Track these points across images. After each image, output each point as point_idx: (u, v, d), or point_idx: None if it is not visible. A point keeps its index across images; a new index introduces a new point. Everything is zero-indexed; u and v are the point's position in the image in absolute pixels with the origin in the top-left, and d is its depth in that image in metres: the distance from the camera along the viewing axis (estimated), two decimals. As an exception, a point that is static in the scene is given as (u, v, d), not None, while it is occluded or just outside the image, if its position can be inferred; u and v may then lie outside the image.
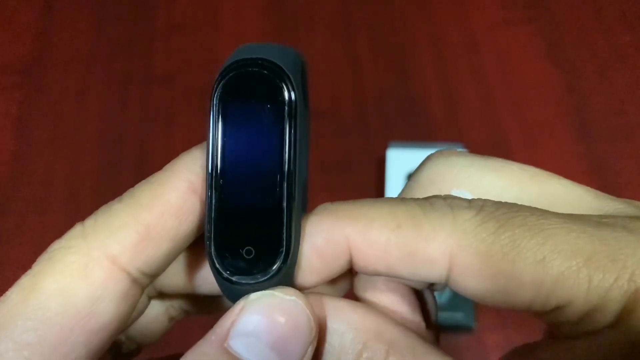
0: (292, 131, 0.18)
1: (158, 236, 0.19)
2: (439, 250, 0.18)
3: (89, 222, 0.19)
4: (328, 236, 0.19)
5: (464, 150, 0.58)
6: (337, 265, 0.19)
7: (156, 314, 0.24)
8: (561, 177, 0.21)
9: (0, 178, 0.64)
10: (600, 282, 0.16)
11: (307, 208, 0.22)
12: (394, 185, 0.57)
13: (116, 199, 0.19)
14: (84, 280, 0.18)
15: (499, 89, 0.67)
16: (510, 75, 0.68)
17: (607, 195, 0.20)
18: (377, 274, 0.19)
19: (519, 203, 0.18)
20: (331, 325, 0.19)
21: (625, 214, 0.19)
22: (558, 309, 0.17)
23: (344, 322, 0.19)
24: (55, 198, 0.62)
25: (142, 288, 0.20)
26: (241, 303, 0.18)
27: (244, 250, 0.18)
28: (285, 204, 0.18)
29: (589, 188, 0.20)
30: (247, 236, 0.18)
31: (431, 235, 0.18)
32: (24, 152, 0.65)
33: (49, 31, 0.74)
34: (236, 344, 0.17)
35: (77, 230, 0.19)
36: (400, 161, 0.58)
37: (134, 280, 0.19)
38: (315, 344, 0.18)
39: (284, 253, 0.18)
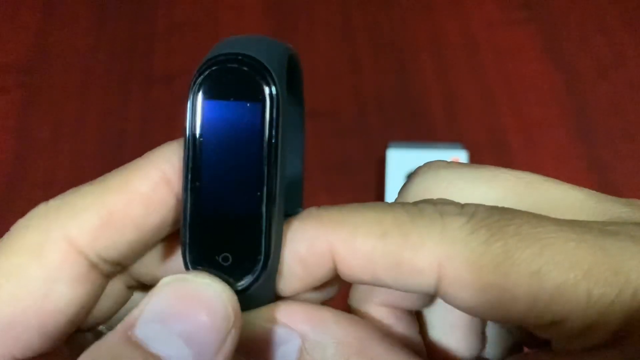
0: (274, 132, 0.17)
1: (121, 223, 0.18)
2: (427, 260, 0.17)
3: (54, 201, 0.19)
4: (311, 244, 0.18)
5: (463, 151, 0.58)
6: (320, 273, 0.18)
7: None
8: (560, 182, 0.20)
9: (2, 178, 0.64)
10: (600, 297, 0.15)
11: (303, 206, 0.21)
12: (393, 185, 0.57)
13: (88, 182, 0.19)
14: (38, 260, 0.18)
15: (498, 89, 0.67)
16: (509, 75, 0.68)
17: (611, 197, 0.19)
18: (362, 282, 0.18)
19: None
20: (314, 337, 0.18)
21: (631, 219, 0.18)
22: (553, 324, 0.16)
23: (327, 335, 0.18)
24: (56, 198, 0.62)
25: (104, 274, 0.19)
26: (153, 289, 0.17)
27: (221, 257, 0.17)
28: (264, 209, 0.17)
29: (590, 191, 0.19)
30: (224, 242, 0.17)
31: (418, 244, 0.17)
32: (25, 152, 0.66)
33: (50, 31, 0.74)
34: (141, 332, 0.16)
35: (40, 209, 0.19)
36: (400, 161, 0.58)
37: (93, 265, 0.18)
38: (235, 333, 0.17)
39: (262, 260, 0.17)
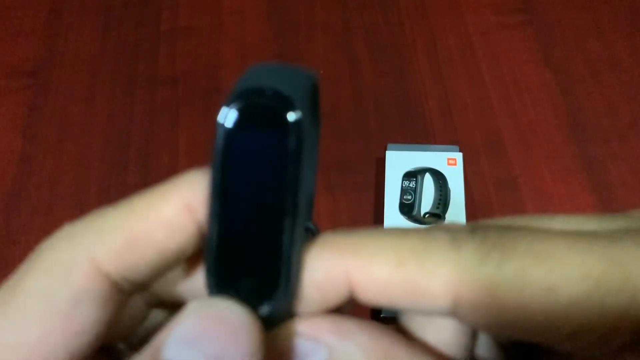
0: (297, 164, 0.17)
1: (144, 246, 0.18)
2: (442, 286, 0.17)
3: (79, 223, 0.19)
4: (328, 271, 0.18)
5: (459, 152, 0.59)
6: (337, 298, 0.18)
7: (158, 323, 0.23)
8: (553, 215, 0.20)
9: (8, 178, 0.65)
10: (613, 305, 0.16)
11: (312, 217, 0.22)
12: (392, 185, 0.58)
13: (112, 205, 0.19)
14: (64, 281, 0.18)
15: (494, 92, 0.68)
16: (505, 78, 0.69)
17: (608, 214, 0.19)
18: (378, 307, 0.19)
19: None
20: (340, 348, 0.18)
21: (633, 227, 0.18)
22: (571, 337, 0.16)
23: (354, 344, 0.18)
24: (62, 198, 0.63)
25: (125, 294, 0.19)
26: (180, 313, 0.17)
27: (243, 283, 0.18)
28: (287, 238, 0.17)
29: (587, 214, 0.19)
30: (247, 268, 0.18)
31: (433, 271, 0.17)
32: (32, 153, 0.67)
33: (56, 35, 0.75)
34: (169, 354, 0.17)
35: (65, 230, 0.19)
36: (398, 162, 0.59)
37: (116, 286, 0.19)
38: (259, 354, 0.17)
39: (283, 287, 0.18)
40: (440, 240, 0.17)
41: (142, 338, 0.22)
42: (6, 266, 0.59)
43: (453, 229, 0.18)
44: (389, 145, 0.60)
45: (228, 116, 0.17)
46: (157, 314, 0.23)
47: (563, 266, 0.16)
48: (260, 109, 0.17)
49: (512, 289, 0.16)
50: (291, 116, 0.17)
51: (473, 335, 0.21)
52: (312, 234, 0.19)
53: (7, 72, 0.73)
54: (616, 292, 0.16)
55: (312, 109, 0.18)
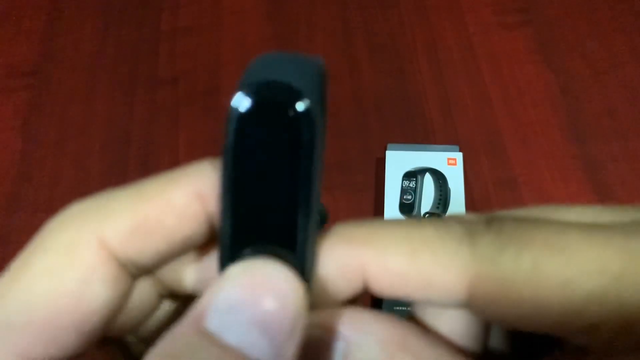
0: (311, 157, 0.17)
1: (153, 231, 0.18)
2: (457, 278, 0.17)
3: (88, 202, 0.18)
4: (342, 263, 0.18)
5: (459, 152, 0.59)
6: (351, 290, 0.18)
7: (168, 315, 0.22)
8: (565, 205, 0.19)
9: (9, 178, 0.65)
10: (631, 300, 0.15)
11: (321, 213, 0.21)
12: (392, 185, 0.58)
13: (121, 187, 0.19)
14: (73, 260, 0.17)
15: (494, 91, 0.68)
16: (505, 78, 0.69)
17: (620, 206, 0.19)
18: (393, 298, 0.18)
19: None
20: (357, 339, 0.18)
21: None
22: (587, 331, 0.16)
23: (370, 335, 0.18)
24: (62, 198, 0.63)
25: (133, 278, 0.19)
26: (221, 278, 0.16)
27: None
28: (301, 229, 0.17)
29: (599, 206, 0.19)
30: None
31: (448, 263, 0.17)
32: (32, 153, 0.67)
33: (56, 34, 0.76)
34: (213, 324, 0.16)
35: (73, 209, 0.19)
36: (398, 162, 0.59)
37: (124, 268, 0.18)
38: (305, 318, 0.16)
39: (299, 278, 0.17)
40: (455, 232, 0.17)
41: (151, 330, 0.22)
42: (6, 266, 0.59)
43: (468, 221, 0.18)
44: (389, 145, 0.60)
45: (241, 105, 0.17)
46: (166, 306, 0.22)
47: (580, 260, 0.16)
48: (273, 101, 0.17)
49: (528, 282, 0.16)
50: (303, 107, 0.17)
51: (486, 327, 0.21)
52: (321, 219, 0.18)
53: (7, 72, 0.73)
54: (633, 287, 0.16)
55: (322, 99, 0.18)
